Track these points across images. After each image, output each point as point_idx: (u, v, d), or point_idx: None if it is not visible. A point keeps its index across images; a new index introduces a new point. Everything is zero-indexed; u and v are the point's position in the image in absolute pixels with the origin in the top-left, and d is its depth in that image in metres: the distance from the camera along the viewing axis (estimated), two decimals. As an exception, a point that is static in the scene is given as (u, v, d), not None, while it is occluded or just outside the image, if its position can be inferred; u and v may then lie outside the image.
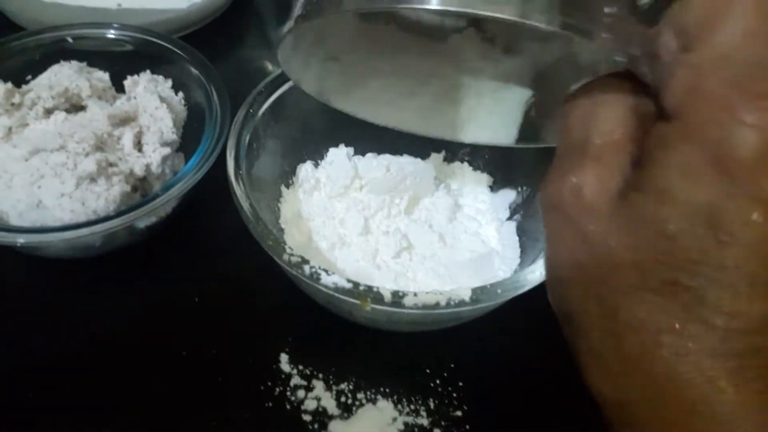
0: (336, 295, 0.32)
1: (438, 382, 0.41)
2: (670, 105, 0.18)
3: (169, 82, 0.48)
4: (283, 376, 0.40)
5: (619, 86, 0.21)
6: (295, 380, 0.40)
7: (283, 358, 0.41)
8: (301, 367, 0.41)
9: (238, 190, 0.36)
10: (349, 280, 0.32)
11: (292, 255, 0.33)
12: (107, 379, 0.40)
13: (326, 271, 0.33)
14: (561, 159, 0.22)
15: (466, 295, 0.32)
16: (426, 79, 0.39)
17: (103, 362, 0.41)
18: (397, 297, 0.32)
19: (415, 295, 0.32)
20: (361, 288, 0.32)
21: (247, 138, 0.39)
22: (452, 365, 0.42)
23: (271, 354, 0.41)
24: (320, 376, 0.41)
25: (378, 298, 0.32)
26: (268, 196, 0.42)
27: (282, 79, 0.42)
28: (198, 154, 0.41)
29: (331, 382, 0.40)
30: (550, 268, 0.22)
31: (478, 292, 0.32)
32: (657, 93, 0.19)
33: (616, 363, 0.19)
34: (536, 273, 0.33)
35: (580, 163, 0.21)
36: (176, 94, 0.48)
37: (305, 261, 0.33)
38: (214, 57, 0.49)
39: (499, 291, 0.33)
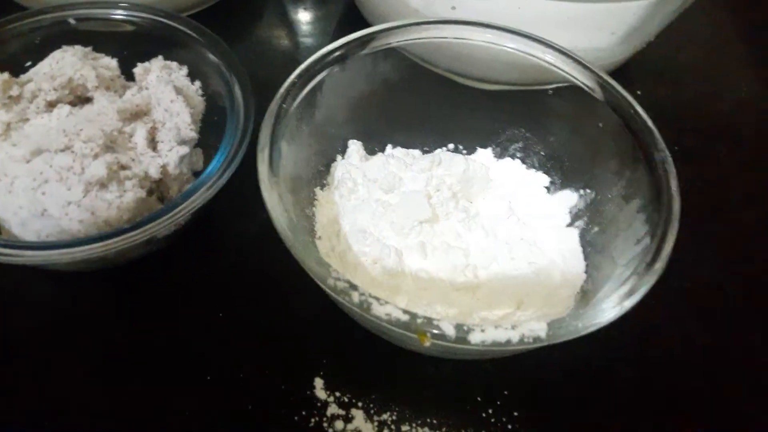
0: (390, 327, 0.28)
1: (490, 411, 0.37)
2: None
3: (185, 70, 0.43)
4: (318, 404, 0.36)
5: None
6: (332, 409, 0.36)
7: (318, 383, 0.37)
8: (338, 394, 0.36)
9: (273, 201, 0.31)
10: (405, 311, 0.28)
11: (338, 279, 0.28)
12: (123, 406, 0.36)
13: (378, 299, 0.28)
14: None
15: (542, 332, 0.27)
16: None
17: (117, 386, 0.36)
18: (462, 332, 0.27)
19: (483, 330, 0.27)
20: (419, 321, 0.27)
21: (281, 138, 0.34)
22: (506, 392, 0.37)
23: (305, 379, 0.37)
24: (360, 404, 0.36)
25: (439, 334, 0.27)
26: (302, 199, 0.37)
27: (318, 66, 0.37)
28: (221, 155, 0.37)
29: (372, 412, 0.36)
30: None
31: (555, 328, 0.28)
32: None
33: None
34: (620, 306, 0.29)
35: None
36: (192, 83, 0.43)
37: (353, 287, 0.28)
38: (231, 37, 0.43)
39: (579, 326, 0.28)
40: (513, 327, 0.27)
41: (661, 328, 0.40)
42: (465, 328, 0.27)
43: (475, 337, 0.27)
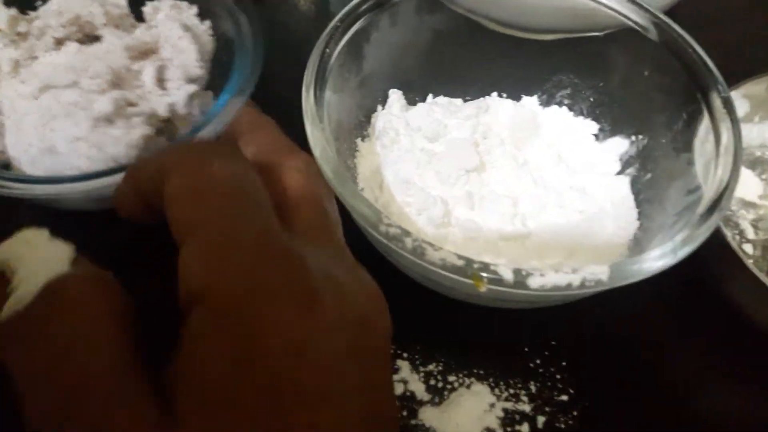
0: (443, 273, 0.27)
1: (538, 362, 0.36)
2: None
3: (194, 9, 0.41)
4: (363, 355, 0.36)
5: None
6: (378, 360, 0.36)
7: (362, 334, 0.36)
8: (383, 345, 0.36)
9: (320, 143, 0.30)
10: (460, 257, 0.27)
11: (390, 225, 0.28)
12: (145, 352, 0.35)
13: (431, 245, 0.27)
14: None
15: (604, 275, 0.26)
16: None
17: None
18: (521, 277, 0.26)
19: (542, 275, 0.26)
20: (476, 266, 0.27)
21: (325, 83, 0.33)
22: (553, 342, 0.37)
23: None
24: (405, 355, 0.36)
25: (496, 278, 0.26)
26: (344, 150, 0.36)
27: (359, 10, 0.36)
28: (230, 90, 0.36)
29: (417, 363, 0.36)
30: None
31: (617, 270, 0.27)
32: None
33: None
34: (673, 255, 0.28)
35: None
36: (202, 22, 0.41)
37: (406, 233, 0.27)
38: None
39: (642, 268, 0.27)
40: (573, 271, 0.26)
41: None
42: (524, 272, 0.26)
43: (535, 282, 0.26)
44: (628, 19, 0.37)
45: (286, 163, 0.20)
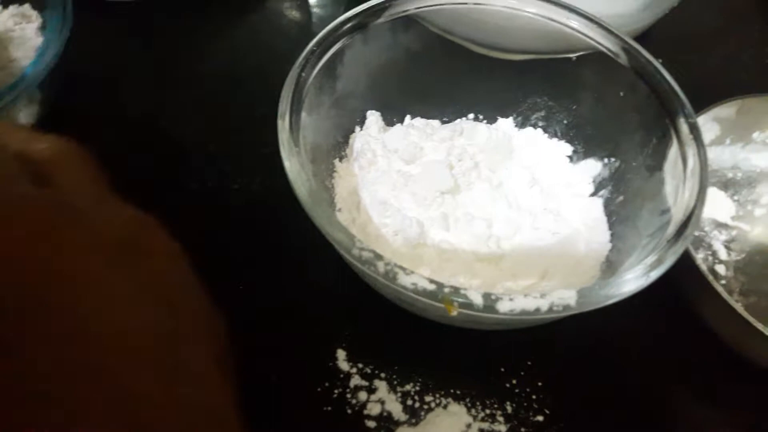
0: (415, 296, 0.27)
1: (514, 382, 0.36)
2: None
3: (40, 21, 0.42)
4: (341, 375, 0.36)
5: None
6: (355, 380, 0.36)
7: (341, 354, 0.37)
8: (360, 365, 0.36)
9: (294, 169, 0.31)
10: (431, 281, 0.27)
11: (363, 249, 0.28)
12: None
13: (403, 269, 0.28)
14: None
15: (572, 300, 0.27)
16: None
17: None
18: (490, 301, 0.27)
19: (511, 299, 0.27)
20: (446, 290, 0.27)
21: (301, 107, 0.33)
22: (529, 363, 0.37)
23: (327, 350, 0.37)
24: (382, 375, 0.36)
25: (466, 303, 0.27)
26: (321, 170, 0.37)
27: (335, 34, 0.36)
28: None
29: (395, 383, 0.36)
30: None
31: (585, 295, 0.27)
32: None
33: None
34: (646, 277, 0.28)
35: None
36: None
37: (378, 256, 0.28)
38: (245, 9, 0.42)
39: (609, 293, 0.28)
40: (542, 295, 0.27)
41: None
42: (493, 297, 0.27)
43: (504, 306, 0.26)
44: (599, 44, 0.38)
45: (35, 141, 0.22)
